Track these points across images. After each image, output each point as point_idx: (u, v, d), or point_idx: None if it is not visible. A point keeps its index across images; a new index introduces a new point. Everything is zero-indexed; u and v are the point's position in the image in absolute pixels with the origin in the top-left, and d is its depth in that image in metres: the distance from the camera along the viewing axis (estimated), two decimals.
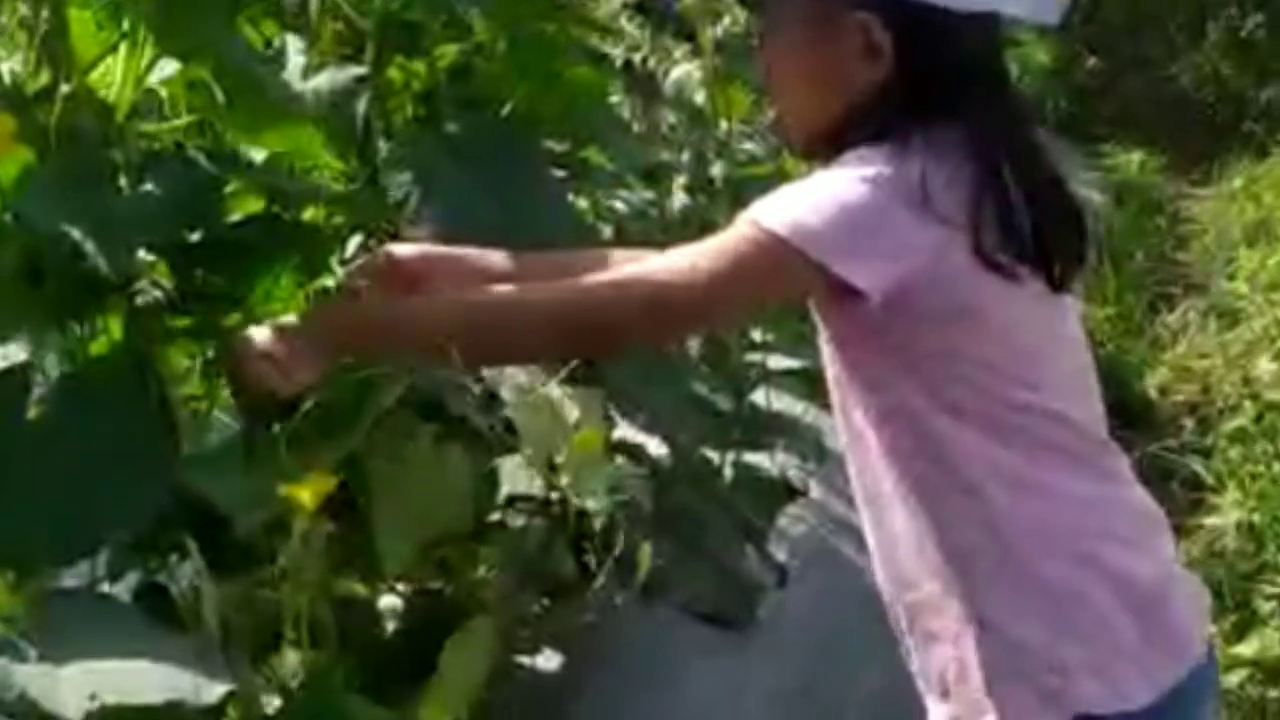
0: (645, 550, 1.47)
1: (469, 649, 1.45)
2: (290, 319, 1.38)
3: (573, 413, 1.61)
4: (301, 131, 1.45)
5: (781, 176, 3.14)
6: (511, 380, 1.66)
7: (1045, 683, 1.33)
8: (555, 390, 1.62)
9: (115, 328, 1.35)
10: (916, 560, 1.38)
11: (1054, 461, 1.37)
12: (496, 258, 1.59)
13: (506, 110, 1.91)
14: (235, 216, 1.39)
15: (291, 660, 1.53)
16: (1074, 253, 1.39)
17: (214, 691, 1.02)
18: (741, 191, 3.44)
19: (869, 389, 1.39)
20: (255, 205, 1.37)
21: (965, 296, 1.33)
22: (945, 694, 1.40)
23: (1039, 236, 1.35)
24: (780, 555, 2.35)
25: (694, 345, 2.08)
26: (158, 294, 1.35)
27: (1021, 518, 1.35)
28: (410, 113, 1.81)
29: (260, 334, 1.35)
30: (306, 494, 1.25)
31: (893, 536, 1.41)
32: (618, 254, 1.68)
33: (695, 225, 3.03)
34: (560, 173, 2.02)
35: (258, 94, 1.36)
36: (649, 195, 2.71)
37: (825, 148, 1.42)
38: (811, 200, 1.32)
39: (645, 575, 1.49)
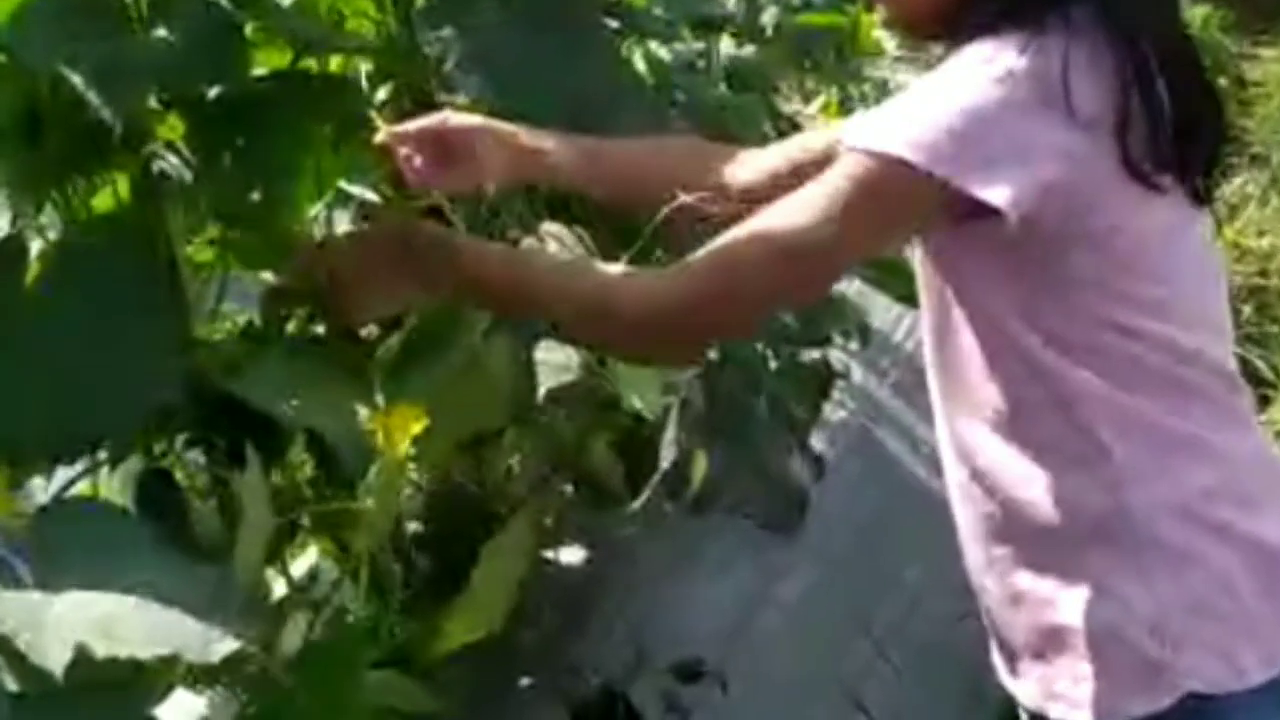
0: (699, 460, 1.33)
1: (503, 557, 1.32)
2: (393, 232, 1.27)
3: None
4: None
5: (842, 28, 2.95)
6: None
7: (1152, 654, 1.17)
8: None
9: (122, 188, 1.19)
10: (1013, 511, 1.24)
11: (1180, 406, 1.20)
12: (570, 152, 1.44)
13: None
14: (259, 70, 1.22)
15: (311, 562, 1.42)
16: (1217, 159, 1.21)
17: (222, 648, 0.89)
18: (796, 41, 3.26)
19: (979, 321, 1.22)
20: (281, 58, 1.20)
21: (1103, 213, 1.15)
22: (1036, 658, 1.24)
23: (1183, 140, 1.17)
24: (819, 444, 2.23)
25: None
26: (172, 159, 1.18)
27: (1140, 469, 1.19)
28: None
29: (352, 252, 1.24)
30: (397, 427, 1.12)
31: (989, 485, 1.26)
32: (707, 146, 1.51)
33: (743, 78, 2.85)
34: (612, 23, 1.84)
35: None
36: (698, 46, 2.51)
37: (938, 30, 1.23)
38: (934, 111, 1.13)
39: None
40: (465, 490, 1.38)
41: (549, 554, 1.71)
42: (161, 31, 1.11)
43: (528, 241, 1.60)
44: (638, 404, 1.46)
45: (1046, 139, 1.12)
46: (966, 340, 1.23)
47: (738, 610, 1.94)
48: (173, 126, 1.22)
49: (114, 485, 1.45)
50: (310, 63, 1.27)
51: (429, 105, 1.59)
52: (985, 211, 1.12)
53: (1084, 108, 1.12)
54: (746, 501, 1.71)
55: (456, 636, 1.34)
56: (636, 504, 1.47)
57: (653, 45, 1.98)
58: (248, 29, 1.15)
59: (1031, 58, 1.12)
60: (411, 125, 1.37)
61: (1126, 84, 1.14)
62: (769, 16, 3.51)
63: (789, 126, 2.19)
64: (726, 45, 2.88)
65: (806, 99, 3.52)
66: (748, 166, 1.49)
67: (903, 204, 1.15)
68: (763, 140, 1.98)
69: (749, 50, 3.08)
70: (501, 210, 1.58)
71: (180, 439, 1.35)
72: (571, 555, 1.73)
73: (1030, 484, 1.21)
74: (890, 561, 2.26)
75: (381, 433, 1.13)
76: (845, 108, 3.27)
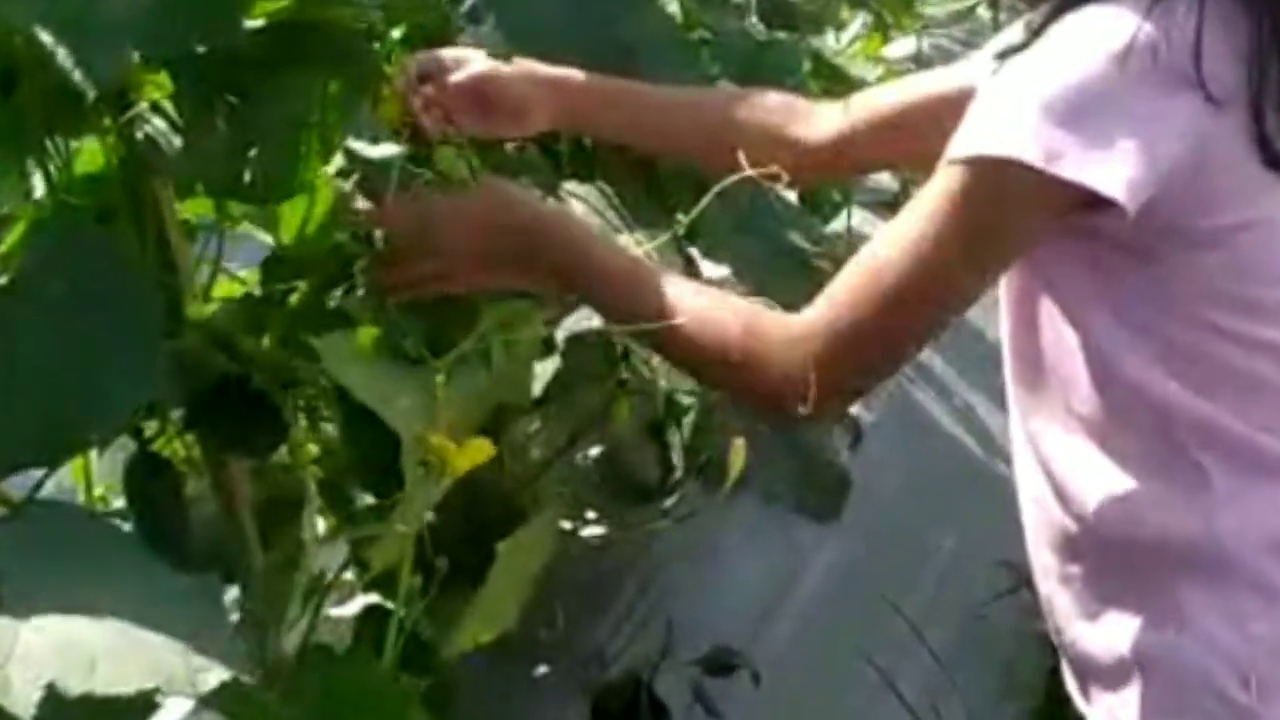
0: (738, 449, 1.22)
1: (521, 555, 1.22)
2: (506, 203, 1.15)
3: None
4: None
5: None
6: None
7: (1238, 700, 1.06)
8: (626, 239, 1.34)
9: (97, 157, 1.08)
10: (1092, 526, 1.12)
11: None
12: (622, 99, 1.32)
13: None
14: (255, 21, 1.10)
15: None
16: None
17: (211, 678, 0.79)
18: None
19: (1069, 321, 1.09)
20: (280, 6, 1.07)
21: (1230, 206, 1.02)
22: (1106, 686, 1.13)
23: None
24: (855, 407, 2.13)
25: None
26: (158, 121, 1.06)
27: (1236, 495, 1.07)
28: None
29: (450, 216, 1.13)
30: (461, 456, 1.03)
31: (1067, 494, 1.13)
32: (768, 98, 1.38)
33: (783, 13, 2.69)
34: None
35: None
36: None
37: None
38: (1044, 97, 0.98)
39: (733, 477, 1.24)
40: (484, 479, 1.27)
41: (568, 527, 1.60)
42: None
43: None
44: (665, 384, 1.35)
45: (1173, 121, 0.98)
46: (1052, 340, 1.10)
47: (767, 591, 1.84)
48: (159, 84, 1.10)
49: (102, 469, 1.36)
50: (314, 10, 1.14)
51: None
52: (1097, 202, 0.99)
53: (1217, 83, 0.98)
54: (782, 486, 1.60)
55: (472, 636, 1.25)
56: (668, 502, 1.36)
57: None
58: None
59: (1156, 26, 0.97)
60: (450, 80, 1.25)
61: (1264, 53, 1.00)
62: None
63: (828, 71, 2.05)
64: None
65: (840, 27, 3.38)
66: (810, 124, 1.37)
67: (1025, 210, 1.01)
68: (800, 87, 1.85)
69: None
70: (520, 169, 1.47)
71: (175, 419, 1.26)
72: (593, 533, 1.62)
73: (1114, 499, 1.09)
74: (925, 533, 2.16)
75: (442, 456, 1.03)
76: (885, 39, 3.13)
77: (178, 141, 1.07)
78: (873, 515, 2.06)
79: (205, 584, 0.92)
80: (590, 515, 1.60)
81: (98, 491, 1.39)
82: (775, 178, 1.16)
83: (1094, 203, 0.98)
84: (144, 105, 1.07)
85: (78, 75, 0.92)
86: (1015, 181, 0.98)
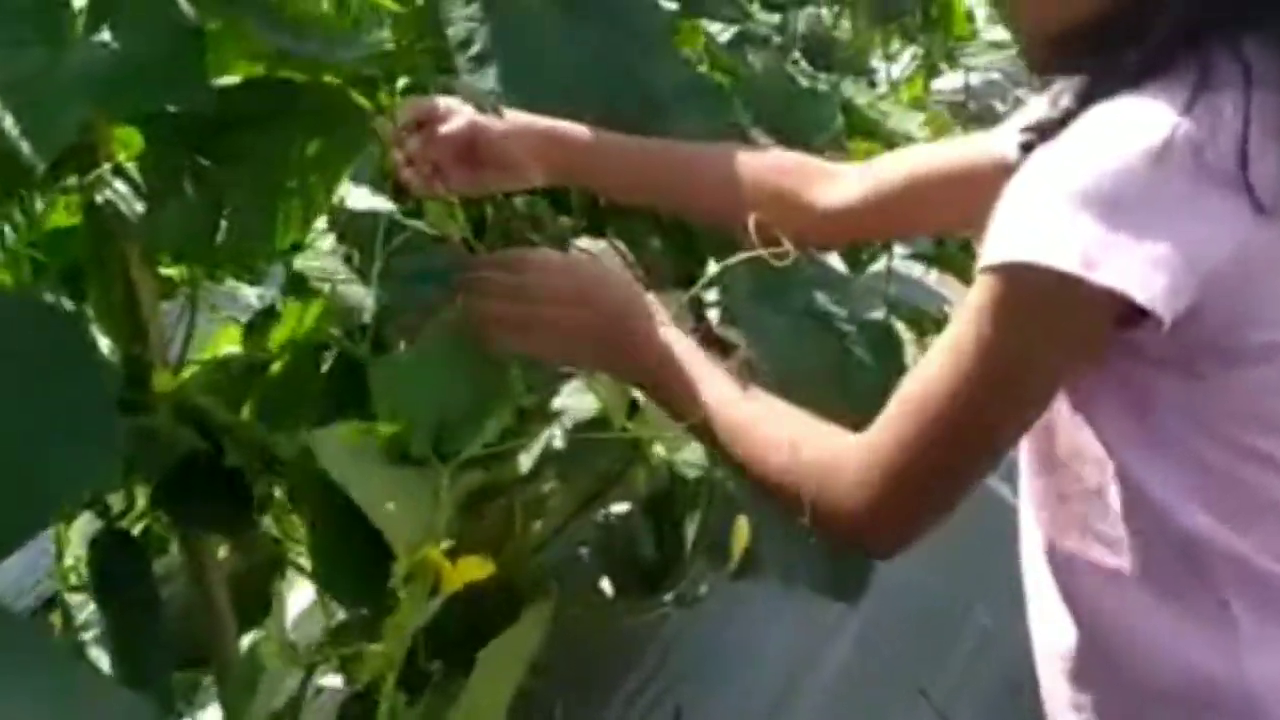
0: (740, 529, 1.12)
1: (506, 659, 1.12)
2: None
3: None
4: None
5: None
6: None
7: None
8: None
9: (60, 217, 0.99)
10: (1108, 653, 1.02)
11: None
12: (626, 154, 1.23)
13: None
14: (231, 78, 1.01)
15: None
16: None
17: None
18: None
19: (1095, 437, 0.98)
20: (255, 65, 0.99)
21: (1276, 316, 0.91)
22: None
23: None
24: None
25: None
26: (120, 186, 0.98)
27: (1267, 637, 0.95)
28: None
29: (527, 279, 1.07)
30: (457, 573, 0.96)
31: (1081, 614, 1.02)
32: (785, 158, 1.28)
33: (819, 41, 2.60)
34: (670, 4, 1.60)
35: None
36: (773, 20, 2.26)
37: (1073, 62, 0.98)
38: (1080, 191, 0.87)
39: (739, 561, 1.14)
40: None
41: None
42: (104, 36, 0.90)
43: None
44: (666, 454, 1.25)
45: (1216, 226, 0.87)
46: (1073, 452, 1.00)
47: (784, 672, 1.73)
48: (128, 141, 1.02)
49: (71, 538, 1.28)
50: (297, 67, 1.05)
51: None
52: (1131, 313, 0.89)
53: (1265, 187, 0.87)
54: (801, 566, 1.49)
55: None
56: (668, 596, 1.26)
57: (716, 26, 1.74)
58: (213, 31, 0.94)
59: (1198, 122, 0.87)
60: (439, 131, 1.17)
61: None
62: None
63: (864, 123, 1.94)
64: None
65: (889, 58, 3.28)
66: (828, 188, 1.27)
67: (1067, 324, 0.90)
68: (834, 143, 1.75)
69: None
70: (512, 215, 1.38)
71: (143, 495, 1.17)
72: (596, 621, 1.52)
73: (1131, 628, 0.98)
74: (956, 607, 2.04)
75: (438, 572, 0.94)
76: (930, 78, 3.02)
77: (140, 208, 0.98)
78: (899, 588, 1.94)
79: (126, 697, 0.82)
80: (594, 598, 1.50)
81: (68, 562, 1.32)
82: (783, 255, 1.09)
83: (1129, 313, 0.88)
84: (107, 166, 0.98)
85: (25, 148, 0.83)
86: (1049, 291, 0.88)
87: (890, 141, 1.92)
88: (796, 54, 2.63)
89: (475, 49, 1.30)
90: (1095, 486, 0.98)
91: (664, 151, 1.27)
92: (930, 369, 0.94)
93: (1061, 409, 0.99)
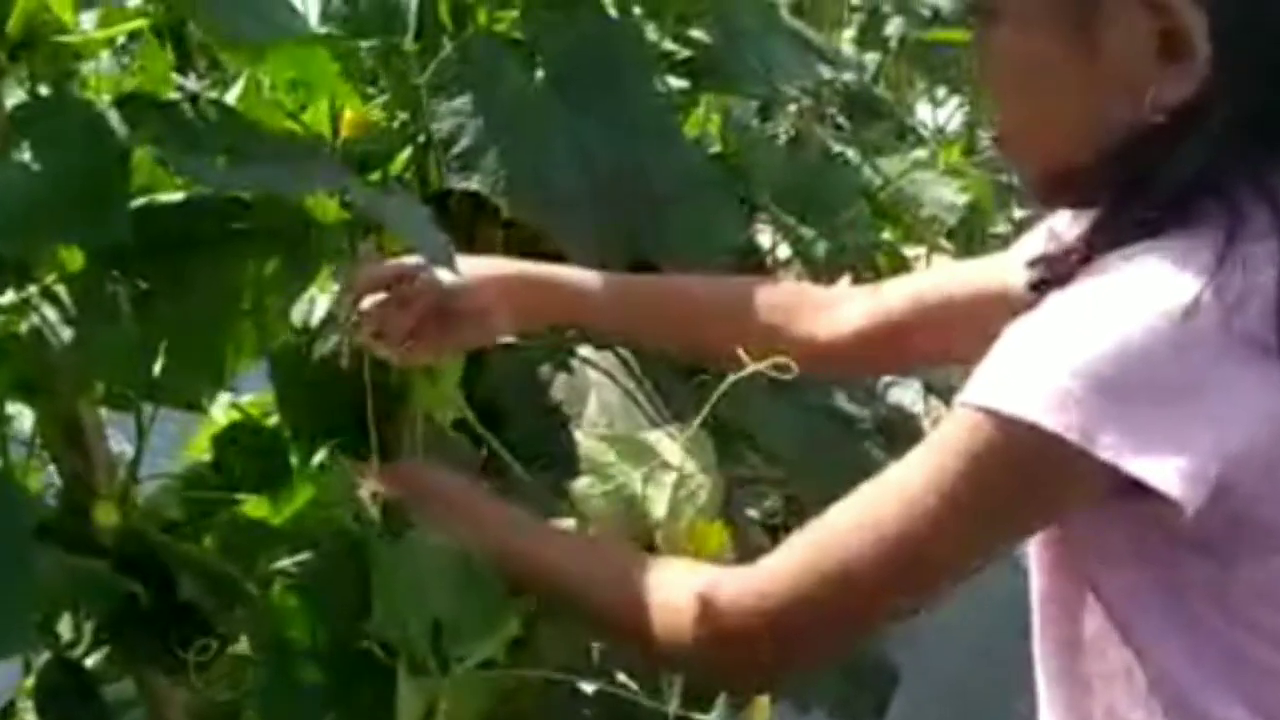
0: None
1: None
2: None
3: (669, 460, 1.15)
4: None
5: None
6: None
7: None
8: (652, 435, 1.16)
9: None
10: None
11: None
12: (602, 293, 1.16)
13: None
14: (173, 195, 0.93)
15: None
16: None
17: None
18: (922, 57, 2.90)
19: (1106, 621, 0.87)
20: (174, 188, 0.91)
21: None
22: None
23: None
24: None
25: None
26: (49, 311, 0.90)
27: None
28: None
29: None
30: None
31: None
32: (778, 290, 1.20)
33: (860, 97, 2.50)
34: (681, 83, 1.52)
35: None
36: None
37: (1078, 199, 0.90)
38: (1083, 357, 0.78)
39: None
40: None
41: None
42: (24, 156, 0.82)
43: None
44: None
45: (1247, 397, 0.78)
46: (1098, 634, 0.89)
47: None
48: (63, 261, 0.94)
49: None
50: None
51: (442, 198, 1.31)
52: (1141, 491, 0.79)
53: None
54: (811, 689, 1.39)
55: None
56: None
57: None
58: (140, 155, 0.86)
59: (1227, 279, 0.77)
60: (407, 294, 1.09)
61: None
62: (893, 28, 3.16)
63: (884, 204, 1.84)
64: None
65: (935, 103, 3.18)
66: (823, 320, 1.19)
67: (1046, 486, 0.82)
68: (859, 215, 1.66)
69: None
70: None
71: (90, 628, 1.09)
72: None
73: None
74: (996, 701, 1.93)
75: None
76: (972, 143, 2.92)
77: (68, 335, 0.90)
78: (936, 682, 1.84)
79: None
80: None
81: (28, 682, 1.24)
82: (785, 368, 1.01)
83: (1135, 487, 0.78)
84: (33, 289, 0.90)
85: None
86: (1037, 452, 0.79)
87: (918, 217, 1.83)
88: (834, 110, 2.54)
89: (464, 144, 1.22)
90: (1121, 669, 0.87)
91: (645, 289, 1.19)
92: (886, 491, 0.86)
93: (1087, 593, 0.89)
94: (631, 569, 0.95)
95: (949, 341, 1.17)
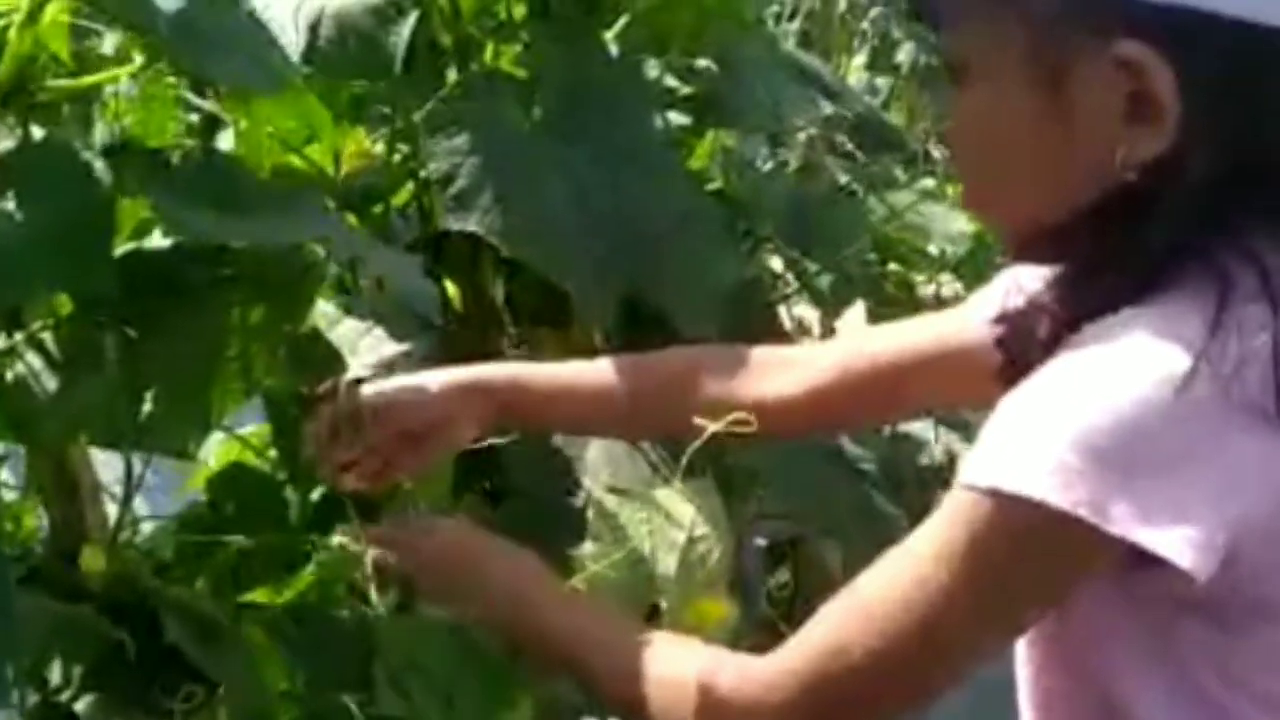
0: None
1: None
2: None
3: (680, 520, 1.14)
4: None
5: None
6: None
7: None
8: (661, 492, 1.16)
9: None
10: None
11: None
12: (564, 386, 1.16)
13: (617, 28, 1.41)
14: (162, 241, 0.92)
15: None
16: None
17: None
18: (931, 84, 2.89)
19: (1102, 691, 0.85)
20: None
21: None
22: None
23: None
24: None
25: None
26: (34, 359, 0.89)
27: None
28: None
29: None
30: None
31: None
32: (728, 354, 1.18)
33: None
34: (683, 119, 1.51)
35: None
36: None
37: (1051, 256, 0.87)
38: (1086, 420, 0.76)
39: None
40: None
41: None
42: (9, 205, 0.82)
43: None
44: None
45: (1249, 465, 0.76)
46: (1085, 697, 0.88)
47: None
48: (53, 308, 0.93)
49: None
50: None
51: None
52: (1148, 561, 0.77)
53: None
54: None
55: None
56: None
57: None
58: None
59: (1222, 344, 0.75)
60: (371, 421, 1.09)
61: None
62: (904, 54, 3.16)
63: (886, 241, 1.82)
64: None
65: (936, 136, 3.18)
66: (774, 379, 1.16)
67: (1058, 561, 0.79)
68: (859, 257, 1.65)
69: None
70: None
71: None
72: None
73: None
74: None
75: None
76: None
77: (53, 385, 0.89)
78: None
79: None
80: None
81: None
82: (747, 423, 1.02)
83: (1142, 557, 0.76)
84: (19, 336, 0.90)
85: None
86: (1043, 529, 0.77)
87: (924, 252, 1.82)
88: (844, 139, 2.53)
89: (460, 184, 1.22)
90: None
91: (596, 378, 1.17)
92: (883, 580, 0.84)
93: (1067, 642, 0.88)
94: (637, 644, 0.94)
95: (912, 396, 1.16)
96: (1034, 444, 0.78)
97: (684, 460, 1.06)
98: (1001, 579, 0.80)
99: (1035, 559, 0.80)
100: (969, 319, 1.05)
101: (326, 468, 1.08)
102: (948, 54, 0.89)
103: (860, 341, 1.23)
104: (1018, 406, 0.80)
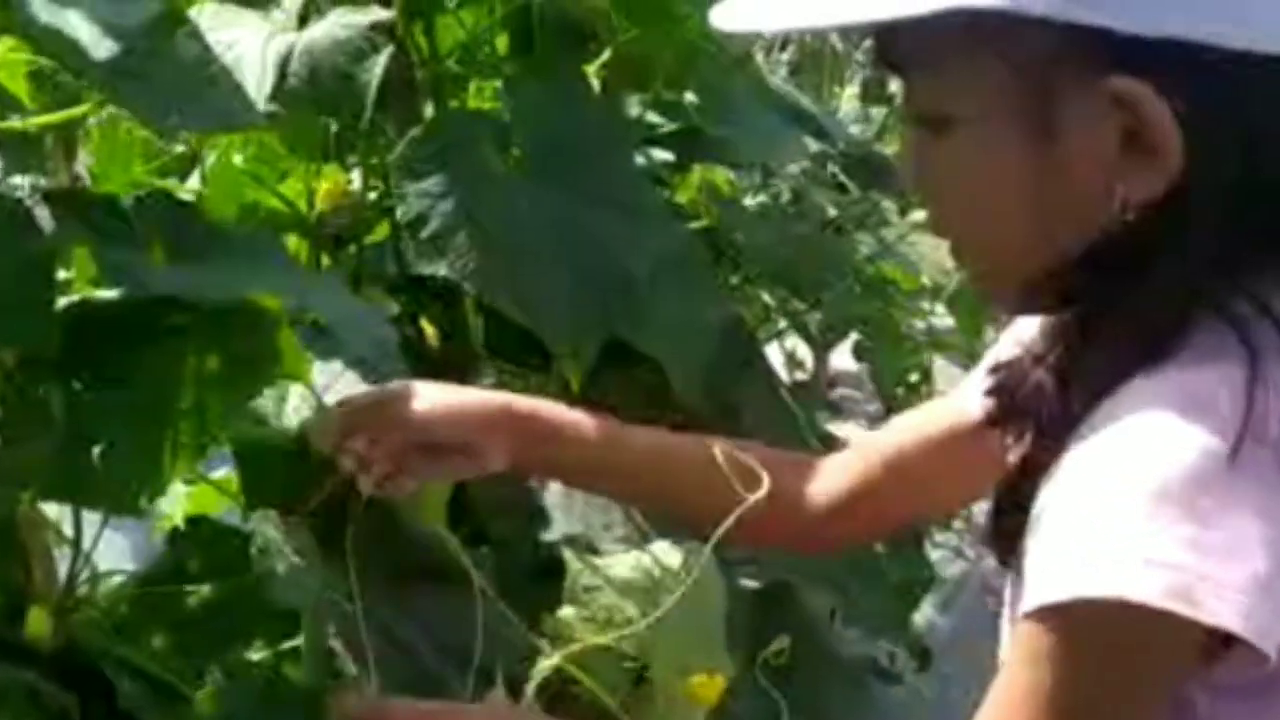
0: None
1: None
2: None
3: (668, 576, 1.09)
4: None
5: None
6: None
7: None
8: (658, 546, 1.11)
9: None
10: None
11: None
12: (587, 436, 1.10)
13: (599, 63, 1.37)
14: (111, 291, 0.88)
15: None
16: None
17: None
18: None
19: None
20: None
21: None
22: None
23: None
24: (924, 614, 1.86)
25: None
26: None
27: None
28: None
29: None
30: None
31: None
32: (760, 454, 1.10)
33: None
34: (666, 155, 1.47)
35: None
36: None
37: (1047, 309, 0.83)
38: (1146, 507, 0.70)
39: None
40: None
41: None
42: None
43: None
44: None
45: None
46: None
47: None
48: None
49: None
50: None
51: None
52: (1217, 644, 0.72)
53: None
54: None
55: None
56: None
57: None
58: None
59: (1261, 410, 0.71)
60: (392, 419, 1.04)
61: None
62: (897, 84, 3.13)
63: (869, 282, 1.77)
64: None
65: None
66: (809, 480, 1.11)
67: (1151, 660, 0.73)
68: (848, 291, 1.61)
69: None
70: None
71: None
72: None
73: None
74: None
75: None
76: None
77: None
78: None
79: None
80: None
81: None
82: (757, 482, 1.00)
83: (1216, 644, 0.71)
84: None
85: None
86: (1134, 628, 0.71)
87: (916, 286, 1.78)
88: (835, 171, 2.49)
89: (433, 227, 1.17)
90: None
91: (628, 438, 1.11)
92: None
93: None
94: None
95: (935, 491, 1.12)
96: (1087, 541, 0.72)
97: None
98: (1104, 691, 0.74)
99: (1133, 663, 0.73)
100: (968, 397, 1.00)
101: (348, 459, 1.03)
102: (922, 102, 0.83)
103: (878, 439, 1.17)
104: (1064, 512, 0.74)
